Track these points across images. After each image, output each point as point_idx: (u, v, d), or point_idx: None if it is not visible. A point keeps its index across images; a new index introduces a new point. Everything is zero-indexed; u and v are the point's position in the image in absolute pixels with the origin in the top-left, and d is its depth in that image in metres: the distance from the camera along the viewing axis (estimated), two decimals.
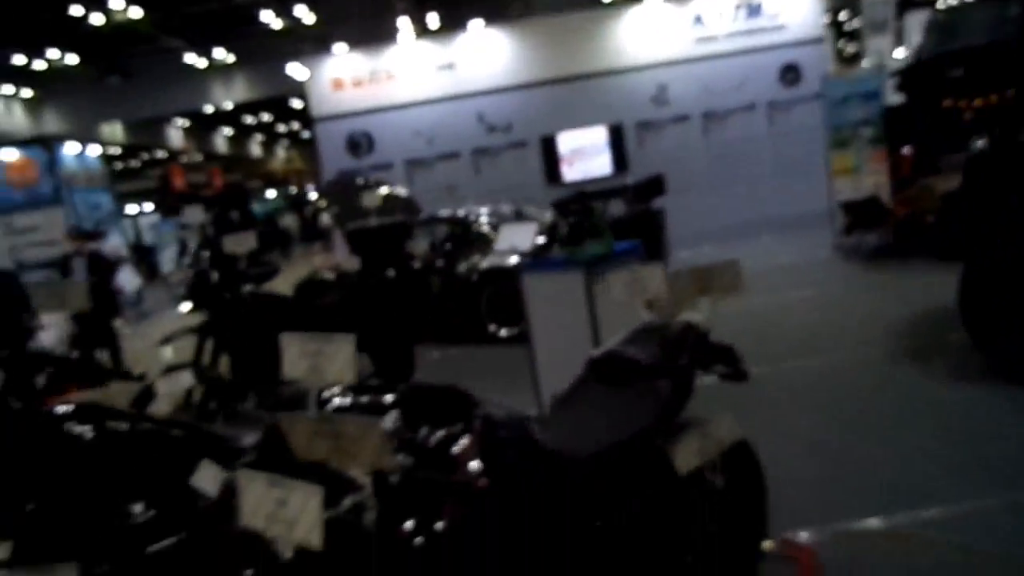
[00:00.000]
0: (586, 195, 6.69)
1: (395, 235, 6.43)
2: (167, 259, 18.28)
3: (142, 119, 24.83)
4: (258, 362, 2.75)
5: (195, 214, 8.05)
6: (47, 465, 2.22)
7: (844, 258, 9.21)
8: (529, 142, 13.59)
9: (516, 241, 5.01)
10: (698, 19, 13.51)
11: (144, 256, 17.75)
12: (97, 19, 17.99)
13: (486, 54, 13.46)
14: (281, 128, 45.97)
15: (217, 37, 22.68)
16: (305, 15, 20.77)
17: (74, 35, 20.10)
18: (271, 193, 29.36)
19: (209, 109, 27.40)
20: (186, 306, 4.93)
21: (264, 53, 25.02)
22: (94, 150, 15.27)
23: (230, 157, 35.00)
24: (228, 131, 39.38)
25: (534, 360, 4.75)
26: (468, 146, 13.59)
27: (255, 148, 42.82)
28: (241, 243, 4.63)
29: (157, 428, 2.56)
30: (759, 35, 13.53)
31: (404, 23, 15.36)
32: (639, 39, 13.52)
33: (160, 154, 29.42)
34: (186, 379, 4.03)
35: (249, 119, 38.28)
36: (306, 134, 51.40)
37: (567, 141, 13.52)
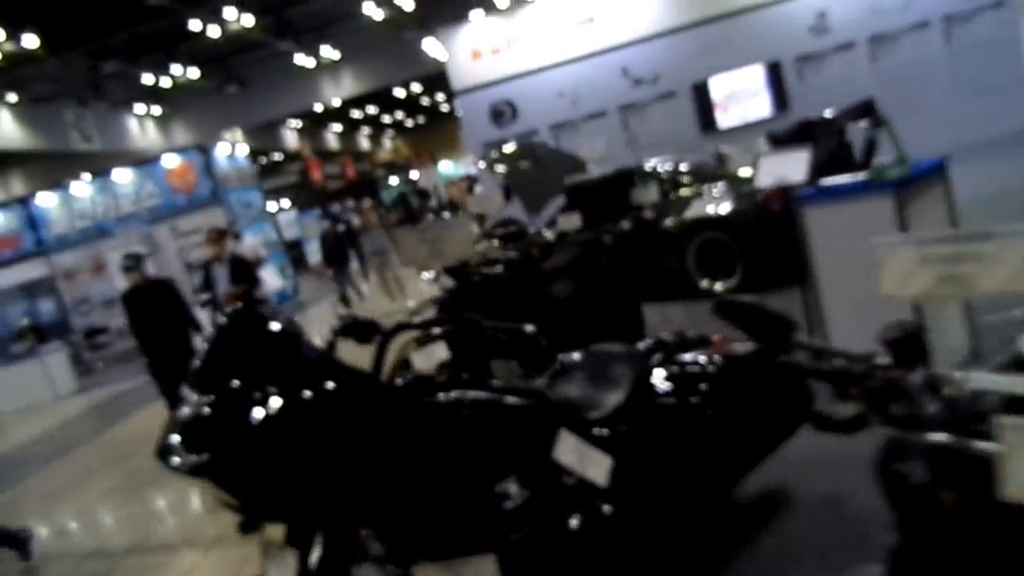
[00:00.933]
0: (812, 123, 5.99)
1: (622, 185, 5.98)
2: (312, 250, 18.74)
3: (260, 124, 25.69)
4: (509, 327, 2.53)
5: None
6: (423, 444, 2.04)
7: None
8: (679, 92, 12.87)
9: (785, 172, 4.44)
10: None
11: (294, 250, 18.19)
12: (214, 31, 18.60)
13: (625, 3, 12.79)
14: (386, 119, 46.79)
15: (323, 35, 23.16)
16: (407, 3, 20.93)
17: (193, 49, 20.95)
18: (393, 180, 29.69)
19: (319, 108, 28.25)
20: (428, 275, 4.69)
21: (368, 46, 25.50)
22: (242, 150, 15.64)
23: (341, 152, 35.83)
24: (337, 127, 40.43)
25: (814, 307, 4.22)
26: (614, 103, 13.01)
27: (363, 141, 43.71)
28: (486, 204, 4.32)
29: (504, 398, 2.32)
30: None
31: None
32: None
33: (276, 156, 30.42)
34: (441, 351, 3.83)
35: (356, 113, 39.14)
36: (409, 123, 52.38)
37: (720, 86, 12.72)
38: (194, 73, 21.22)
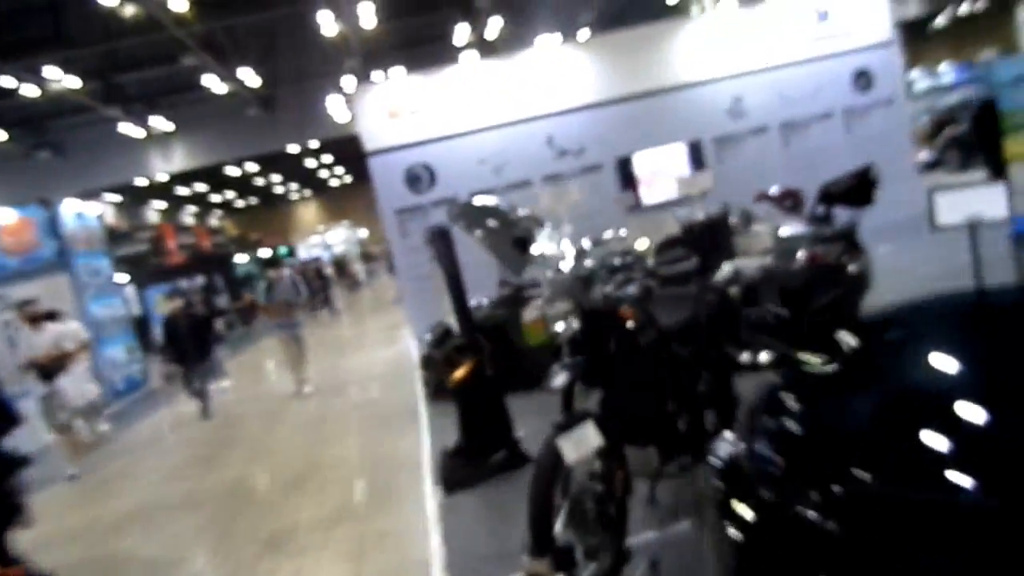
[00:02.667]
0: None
1: (721, 229, 5.12)
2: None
3: (75, 195, 23.54)
4: None
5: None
6: None
7: None
8: (604, 165, 12.49)
9: (979, 208, 3.78)
10: (768, 27, 12.85)
11: (144, 329, 15.60)
12: (30, 90, 16.64)
13: (551, 72, 12.39)
14: (215, 198, 44.15)
15: (155, 105, 22.09)
16: (249, 78, 20.34)
17: (3, 108, 18.80)
18: (241, 257, 27.32)
19: (142, 182, 26.43)
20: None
21: (204, 120, 24.55)
22: (93, 209, 13.27)
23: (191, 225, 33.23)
24: (160, 204, 37.48)
25: None
26: (538, 173, 12.37)
27: (187, 220, 40.72)
28: None
29: None
30: (829, 41, 12.98)
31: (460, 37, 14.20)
32: (710, 50, 12.74)
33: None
34: (593, 437, 2.91)
35: (182, 190, 36.68)
36: (240, 203, 50.00)
37: (644, 162, 12.50)
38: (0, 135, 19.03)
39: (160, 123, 22.14)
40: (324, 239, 35.55)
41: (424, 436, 6.54)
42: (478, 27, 21.38)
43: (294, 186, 49.74)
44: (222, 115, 24.87)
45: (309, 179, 46.83)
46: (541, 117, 12.33)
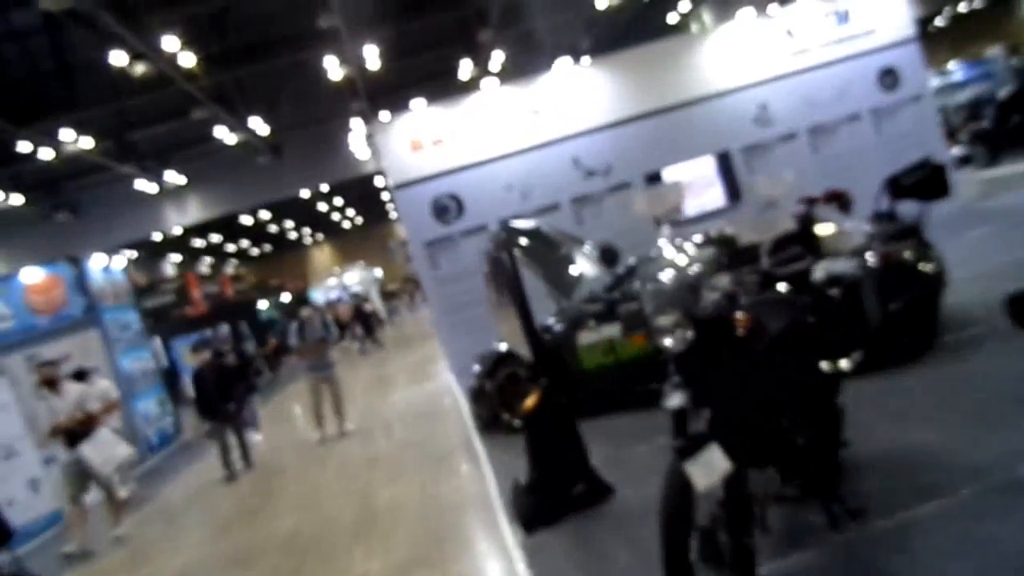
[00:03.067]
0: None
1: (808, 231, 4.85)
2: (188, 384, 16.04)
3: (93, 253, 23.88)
4: None
5: None
6: None
7: None
8: (633, 183, 12.24)
9: None
10: (789, 32, 12.65)
11: (173, 381, 15.38)
12: (46, 153, 16.75)
13: (573, 94, 12.21)
14: (230, 247, 44.43)
15: (167, 160, 22.40)
16: (259, 126, 20.64)
17: (20, 172, 18.99)
18: (263, 304, 27.23)
19: (158, 236, 26.68)
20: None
21: (216, 171, 24.90)
22: (118, 262, 13.15)
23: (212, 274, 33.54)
24: (176, 257, 37.74)
25: None
26: (566, 195, 12.13)
27: (203, 270, 40.93)
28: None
29: None
30: (851, 42, 12.76)
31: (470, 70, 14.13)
32: (733, 59, 12.54)
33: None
34: (720, 461, 2.58)
35: (198, 242, 36.96)
36: (255, 251, 50.34)
37: (674, 176, 12.24)
38: (17, 199, 19.21)
39: (173, 177, 22.33)
40: (341, 280, 35.46)
41: (487, 472, 6.20)
42: (481, 61, 21.44)
43: (307, 231, 50.02)
44: (233, 165, 25.11)
45: (321, 223, 47.11)
46: (566, 139, 12.13)
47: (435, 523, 5.42)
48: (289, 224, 46.16)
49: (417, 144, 11.82)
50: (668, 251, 3.28)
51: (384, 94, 19.90)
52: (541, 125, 12.10)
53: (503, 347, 7.45)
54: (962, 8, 30.08)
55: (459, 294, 11.78)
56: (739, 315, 3.05)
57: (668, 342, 2.99)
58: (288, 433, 11.59)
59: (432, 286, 11.93)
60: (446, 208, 11.89)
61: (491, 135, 12.00)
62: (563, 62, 13.07)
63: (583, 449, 4.99)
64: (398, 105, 19.17)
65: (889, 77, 12.86)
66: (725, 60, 12.58)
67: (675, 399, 2.93)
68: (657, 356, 6.34)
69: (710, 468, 2.79)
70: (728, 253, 3.76)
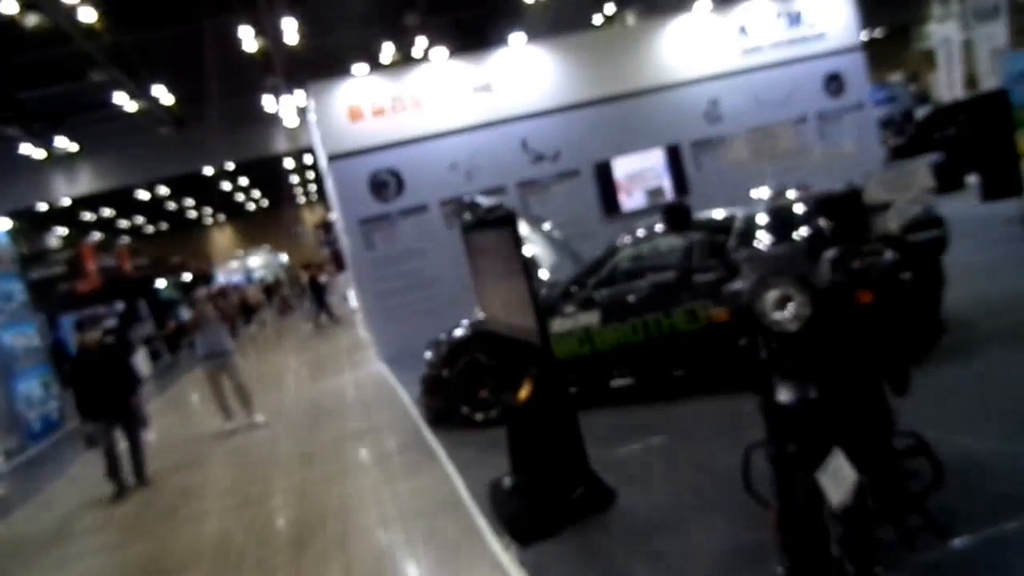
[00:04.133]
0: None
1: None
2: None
3: None
4: None
5: None
6: None
7: None
8: (581, 170, 11.75)
9: None
10: (743, 29, 12.48)
11: (60, 361, 13.69)
12: None
13: (526, 73, 11.58)
14: (123, 223, 41.44)
15: (58, 124, 20.53)
16: (163, 95, 19.31)
17: None
18: (161, 282, 25.19)
19: (43, 206, 24.61)
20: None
21: (112, 139, 23.18)
22: (2, 224, 11.55)
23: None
24: (62, 230, 34.86)
25: None
26: (513, 179, 11.51)
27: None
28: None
29: None
30: (801, 44, 12.74)
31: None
32: (686, 52, 12.25)
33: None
34: (848, 472, 1.99)
35: (88, 215, 34.26)
36: (150, 228, 47.19)
37: (623, 167, 11.84)
38: None
39: (64, 143, 20.38)
40: (246, 264, 33.56)
41: (450, 471, 5.46)
42: (404, 46, 20.53)
43: (208, 210, 47.30)
44: (132, 135, 23.34)
45: (224, 203, 44.64)
46: (515, 119, 11.51)
47: (405, 533, 4.65)
48: (189, 202, 43.50)
49: (356, 113, 10.90)
50: (769, 211, 2.66)
51: (306, 71, 18.74)
52: (490, 103, 11.43)
53: (461, 332, 6.73)
54: (863, 36, 31.50)
55: (395, 277, 10.96)
56: (863, 290, 2.47)
57: (779, 318, 2.38)
58: (192, 425, 10.39)
59: (365, 268, 11.05)
60: (385, 184, 11.03)
61: (437, 109, 11.23)
62: (517, 38, 12.36)
63: (583, 448, 4.36)
64: (300, 92, 18.10)
65: (835, 83, 12.91)
66: (679, 52, 12.29)
67: (789, 392, 2.33)
68: (641, 346, 5.74)
69: (839, 480, 2.20)
70: (844, 214, 3.19)
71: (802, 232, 2.55)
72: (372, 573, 4.24)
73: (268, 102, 27.91)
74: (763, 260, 2.49)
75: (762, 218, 2.73)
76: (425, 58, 11.17)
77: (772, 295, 2.40)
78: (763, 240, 2.59)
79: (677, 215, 3.19)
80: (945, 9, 38.24)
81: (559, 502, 4.18)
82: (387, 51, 20.23)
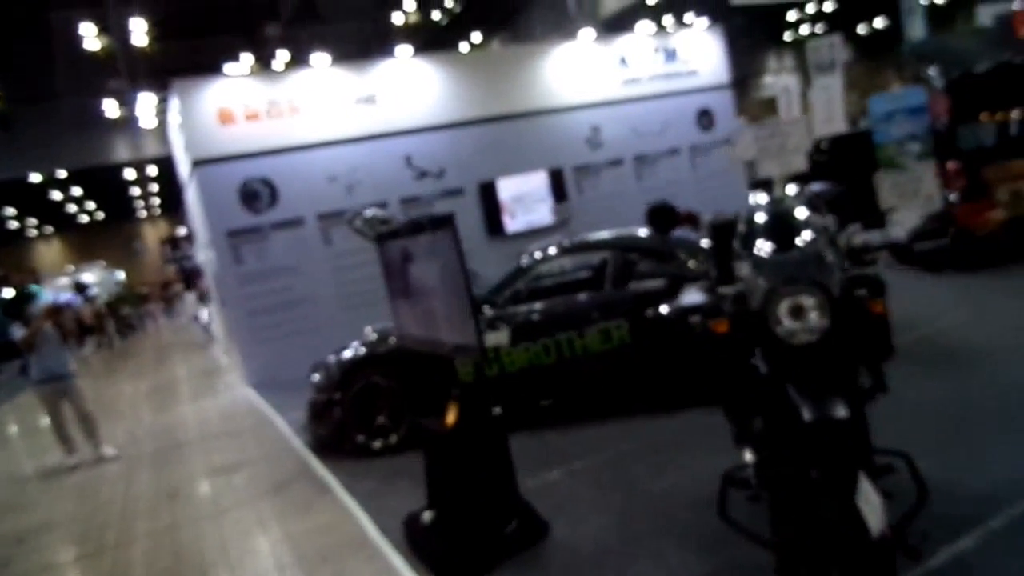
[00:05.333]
0: None
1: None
2: None
3: None
4: None
5: None
6: None
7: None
8: (466, 189, 11.49)
9: None
10: (623, 60, 12.80)
11: None
12: None
13: (411, 86, 11.21)
14: None
15: None
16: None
17: None
18: None
19: None
20: None
21: None
22: None
23: None
24: None
25: None
26: (395, 195, 11.05)
27: None
28: None
29: None
30: (676, 79, 13.25)
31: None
32: (570, 78, 12.38)
33: None
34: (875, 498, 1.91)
35: None
36: None
37: (507, 188, 11.71)
38: None
39: None
40: (77, 280, 30.53)
41: (351, 505, 4.92)
42: (263, 55, 19.66)
43: (32, 221, 42.88)
44: None
45: (52, 214, 40.67)
46: (399, 133, 11.09)
47: None
48: (9, 211, 39.25)
49: (227, 116, 10.08)
50: (772, 213, 2.47)
51: (166, 71, 17.45)
52: (373, 115, 10.96)
53: (354, 353, 6.20)
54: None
55: (265, 294, 10.17)
56: (875, 301, 2.32)
57: (795, 329, 2.18)
58: (22, 460, 9.02)
59: (231, 284, 10.16)
60: (256, 194, 10.24)
61: (316, 118, 10.61)
62: (403, 51, 11.96)
63: (514, 475, 4.01)
64: (148, 95, 16.89)
65: (706, 118, 13.50)
66: (563, 77, 12.39)
67: (812, 411, 2.10)
68: (552, 368, 5.50)
69: (871, 505, 2.01)
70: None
71: (808, 236, 2.38)
72: None
73: (110, 107, 25.74)
74: (775, 266, 2.30)
75: (766, 220, 2.55)
76: (305, 63, 10.49)
77: (787, 304, 2.20)
78: (766, 245, 2.40)
79: (662, 216, 2.97)
80: (780, 63, 42.15)
81: (490, 537, 3.80)
82: (249, 59, 19.26)
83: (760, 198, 2.78)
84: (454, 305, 3.59)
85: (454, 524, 3.84)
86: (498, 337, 5.79)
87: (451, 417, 3.90)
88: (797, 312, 2.20)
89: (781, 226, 2.45)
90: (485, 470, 3.88)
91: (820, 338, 2.19)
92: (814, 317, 2.20)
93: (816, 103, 13.53)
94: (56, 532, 5.79)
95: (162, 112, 15.31)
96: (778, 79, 30.20)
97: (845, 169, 9.86)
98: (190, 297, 28.95)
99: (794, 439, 2.12)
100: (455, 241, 3.43)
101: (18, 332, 7.83)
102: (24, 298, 20.42)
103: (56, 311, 8.17)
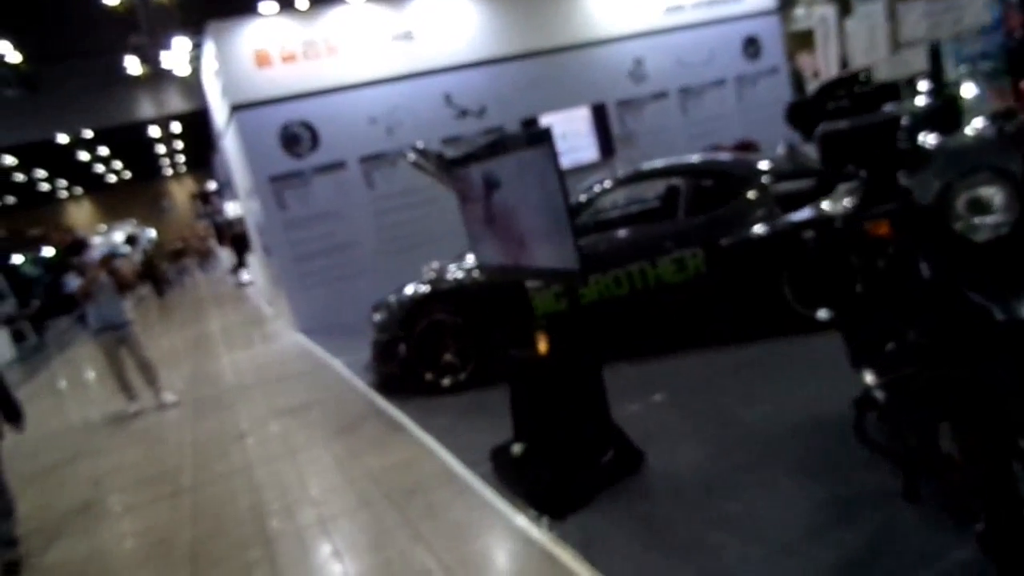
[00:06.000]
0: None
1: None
2: None
3: None
4: None
5: None
6: None
7: None
8: (507, 127, 11.17)
9: None
10: None
11: None
12: None
13: (449, 22, 10.84)
14: None
15: None
16: (9, 51, 17.55)
17: None
18: (17, 258, 22.55)
19: None
20: None
21: None
22: None
23: None
24: None
25: None
26: (437, 135, 10.74)
27: None
28: None
29: None
30: (720, 5, 12.68)
31: None
32: (612, 8, 11.89)
33: None
34: None
35: None
36: None
37: (549, 124, 11.34)
38: None
39: None
40: (109, 239, 30.82)
41: (429, 442, 4.84)
42: None
43: (63, 182, 43.14)
44: None
45: (81, 174, 40.83)
46: (438, 71, 10.77)
47: (395, 513, 3.99)
48: (41, 174, 39.46)
49: (264, 58, 9.82)
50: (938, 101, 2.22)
51: (197, 12, 17.10)
52: (411, 53, 10.63)
53: (416, 291, 6.06)
54: None
55: (310, 240, 10.07)
56: None
57: (979, 224, 1.96)
58: (83, 409, 9.12)
59: (277, 231, 10.06)
60: (297, 138, 10.04)
61: (353, 58, 10.32)
62: None
63: (607, 404, 3.87)
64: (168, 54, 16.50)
65: (752, 46, 12.96)
66: (604, 8, 11.91)
67: (1005, 310, 1.89)
68: (625, 300, 5.34)
69: None
70: None
71: (981, 122, 2.15)
72: (382, 565, 3.57)
73: (132, 63, 25.50)
74: (954, 153, 2.07)
75: (931, 108, 2.31)
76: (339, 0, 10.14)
77: (968, 196, 1.97)
78: (932, 135, 2.16)
79: (805, 112, 2.73)
80: None
81: (587, 468, 3.68)
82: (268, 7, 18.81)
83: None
84: (551, 227, 3.41)
85: (548, 456, 3.73)
86: None
87: (543, 346, 3.75)
88: (979, 205, 1.98)
89: (949, 112, 2.21)
90: (580, 399, 3.74)
91: (1008, 231, 1.97)
92: (1000, 209, 1.98)
93: (854, 34, 12.89)
94: (130, 474, 5.82)
95: (196, 59, 15.03)
96: (811, 10, 29.05)
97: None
98: (224, 252, 29.12)
99: (974, 344, 1.93)
100: (553, 157, 3.23)
101: (74, 282, 7.79)
102: (76, 247, 20.59)
103: (110, 260, 8.12)
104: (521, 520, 3.54)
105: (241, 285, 19.06)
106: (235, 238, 20.12)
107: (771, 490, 3.30)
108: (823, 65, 24.75)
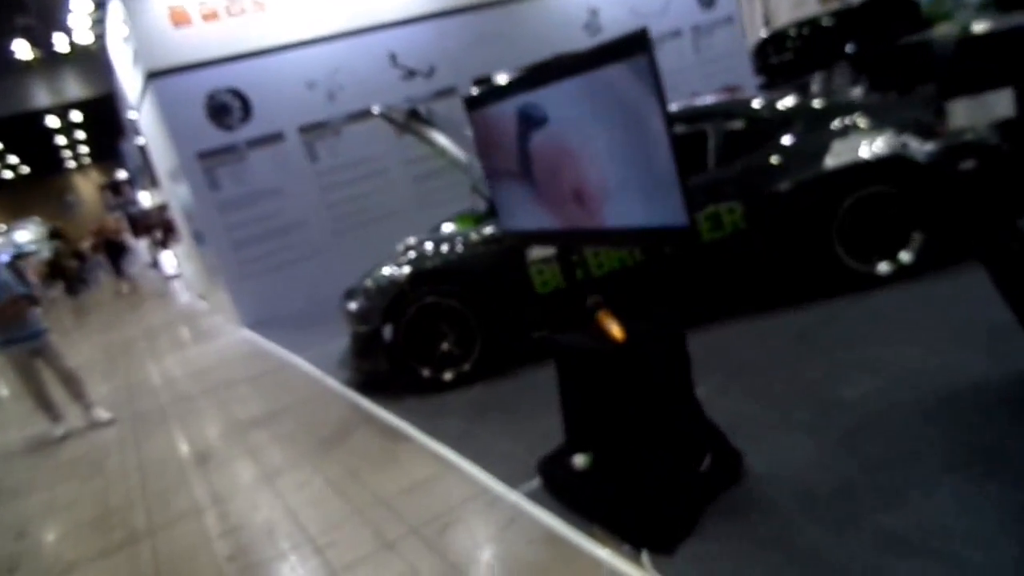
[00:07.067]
0: None
1: None
2: None
3: None
4: None
5: None
6: None
7: None
8: (459, 87, 10.24)
9: None
10: None
11: None
12: None
13: None
14: None
15: None
16: None
17: None
18: None
19: None
20: None
21: None
22: None
23: None
24: None
25: None
26: (382, 99, 9.65)
27: None
28: None
29: None
30: None
31: None
32: None
33: None
34: None
35: None
36: None
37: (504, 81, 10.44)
38: None
39: None
40: (11, 239, 28.38)
41: (446, 454, 3.97)
42: None
43: None
44: None
45: None
46: (380, 27, 9.71)
47: (431, 558, 3.12)
48: None
49: (181, 16, 8.57)
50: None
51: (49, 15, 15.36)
52: (351, 7, 9.56)
53: (397, 272, 5.14)
54: None
55: (249, 223, 8.97)
56: None
57: None
58: (0, 433, 7.82)
59: (210, 215, 8.89)
60: (225, 107, 8.86)
61: (285, 14, 9.16)
62: None
63: (698, 401, 3.08)
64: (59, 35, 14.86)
65: None
66: None
67: None
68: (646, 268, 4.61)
69: None
70: None
71: None
72: None
73: (21, 47, 23.25)
74: None
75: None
76: None
77: None
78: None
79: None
80: None
81: (686, 482, 2.88)
82: None
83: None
84: (642, 172, 2.56)
85: (630, 468, 2.91)
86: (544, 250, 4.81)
87: (617, 331, 2.92)
88: None
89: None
90: (666, 392, 2.93)
91: None
92: None
93: None
94: (66, 517, 4.73)
95: (99, 23, 13.41)
96: None
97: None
98: (140, 244, 27.08)
99: None
100: (653, 73, 2.38)
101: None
102: None
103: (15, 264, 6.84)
104: (604, 554, 2.73)
105: (168, 279, 17.59)
106: (151, 229, 18.58)
107: (937, 495, 2.58)
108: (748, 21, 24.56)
